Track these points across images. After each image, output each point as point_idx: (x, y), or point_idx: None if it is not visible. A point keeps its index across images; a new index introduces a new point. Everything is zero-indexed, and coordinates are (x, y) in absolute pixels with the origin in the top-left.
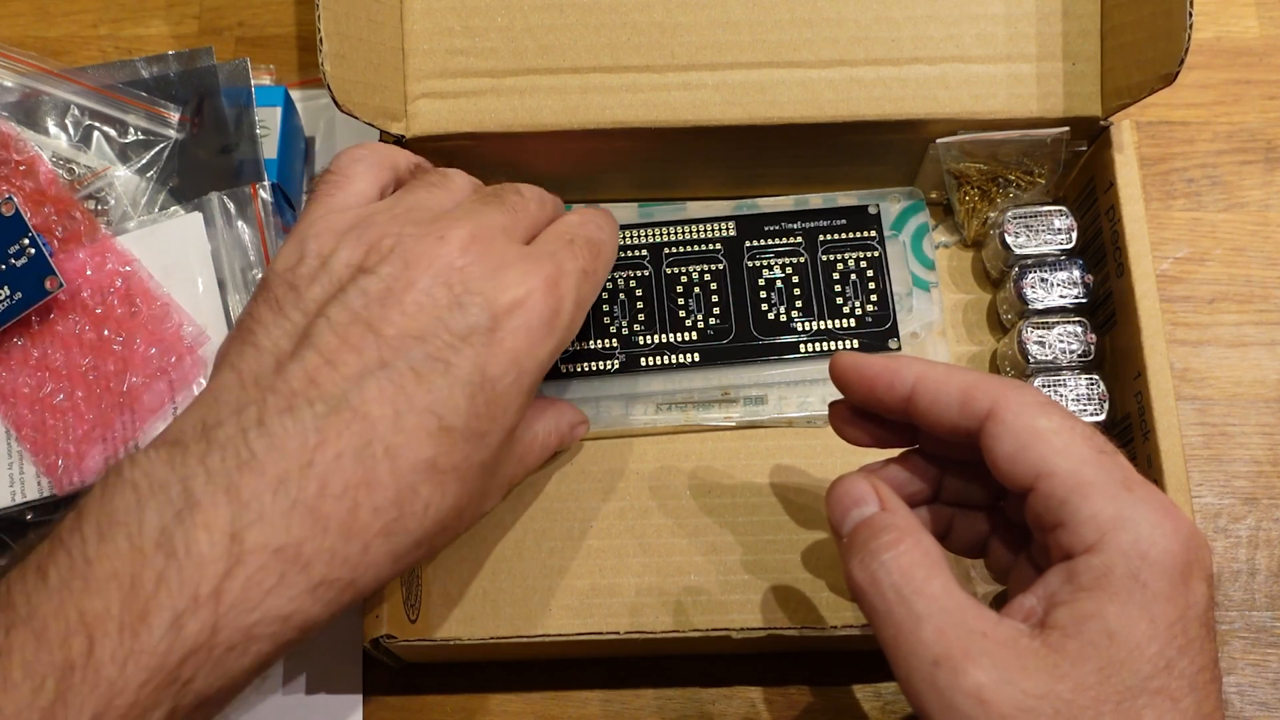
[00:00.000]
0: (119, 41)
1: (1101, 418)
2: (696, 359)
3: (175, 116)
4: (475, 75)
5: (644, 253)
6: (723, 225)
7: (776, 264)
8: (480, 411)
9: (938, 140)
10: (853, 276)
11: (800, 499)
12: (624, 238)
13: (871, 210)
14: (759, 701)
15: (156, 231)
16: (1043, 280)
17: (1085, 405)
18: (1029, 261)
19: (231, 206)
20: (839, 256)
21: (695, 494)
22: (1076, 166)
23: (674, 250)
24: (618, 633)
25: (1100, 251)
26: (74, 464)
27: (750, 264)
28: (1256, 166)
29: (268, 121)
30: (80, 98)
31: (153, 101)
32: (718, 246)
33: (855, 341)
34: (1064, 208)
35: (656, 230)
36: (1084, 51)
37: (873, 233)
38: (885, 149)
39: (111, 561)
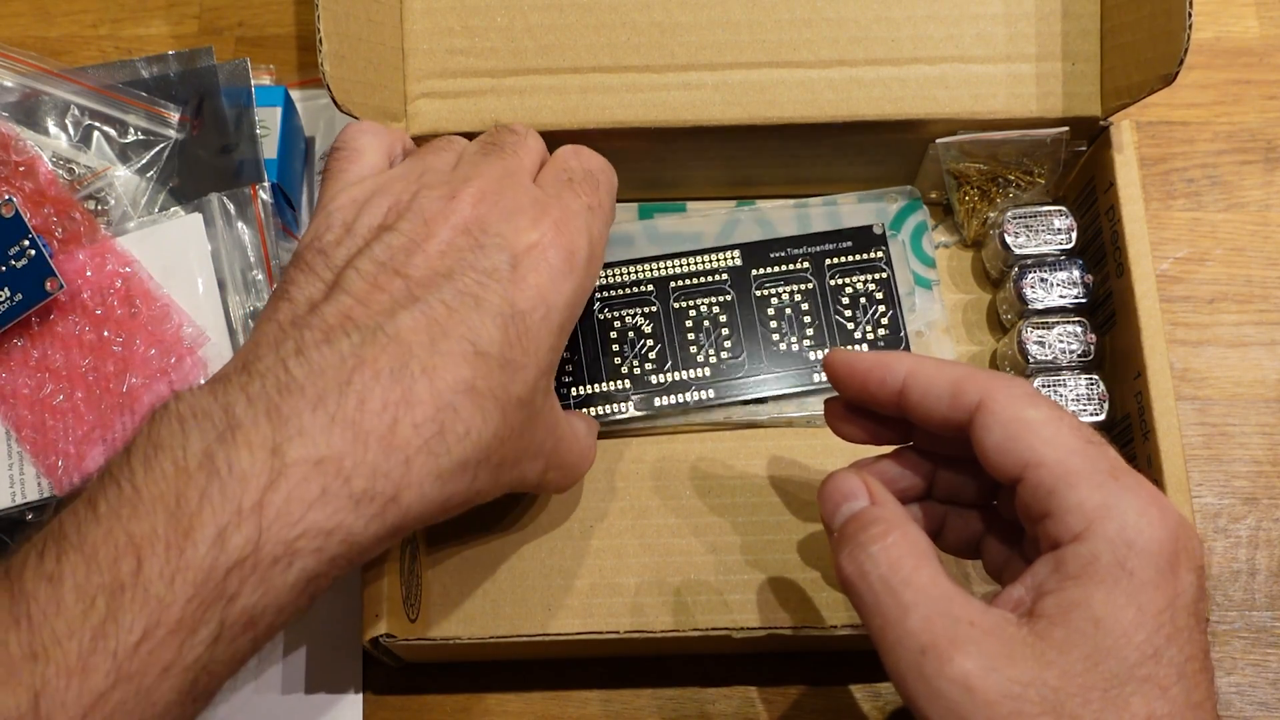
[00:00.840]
0: (119, 41)
1: (1101, 418)
2: (711, 395)
3: (175, 116)
4: (475, 75)
5: (650, 288)
6: (728, 255)
7: (785, 292)
8: (513, 341)
9: (937, 140)
10: (862, 300)
11: (800, 499)
12: (629, 273)
13: (876, 230)
14: (759, 701)
15: (156, 232)
16: (1042, 280)
17: (1085, 405)
18: (1029, 261)
19: (231, 207)
20: (847, 280)
21: (695, 494)
22: (1076, 166)
23: (680, 284)
24: (618, 632)
25: (1100, 251)
26: (74, 465)
27: (758, 293)
28: (1256, 166)
29: (268, 121)
30: (80, 98)
31: (153, 101)
32: (724, 277)
33: None
34: (1064, 208)
35: (661, 265)
36: (1084, 51)
37: (879, 253)
38: (885, 149)
39: (158, 485)
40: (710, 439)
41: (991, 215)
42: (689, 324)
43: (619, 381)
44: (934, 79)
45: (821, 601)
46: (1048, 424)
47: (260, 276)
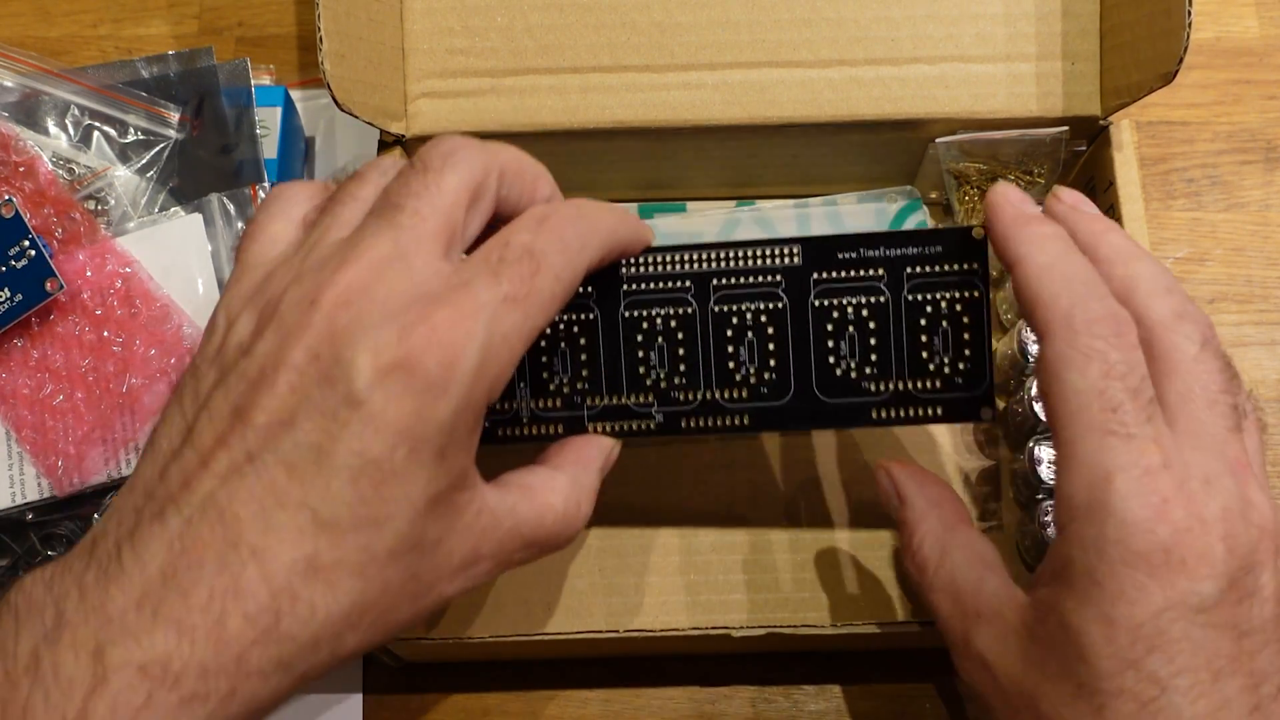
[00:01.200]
0: (119, 41)
1: None
2: (746, 421)
3: (175, 116)
4: (475, 75)
5: (688, 284)
6: (787, 252)
7: (849, 304)
8: (369, 496)
9: (937, 140)
10: (944, 324)
11: (800, 498)
12: (665, 263)
13: (976, 235)
14: (759, 701)
15: (156, 233)
16: None
17: None
18: None
19: (231, 208)
20: (929, 296)
21: (695, 494)
22: (1076, 166)
23: (725, 282)
24: (618, 632)
25: None
26: (74, 465)
27: (817, 302)
28: (1256, 166)
29: (268, 121)
30: (80, 98)
31: (153, 101)
32: (778, 279)
33: (939, 410)
34: None
35: (705, 257)
36: (1083, 51)
37: (975, 265)
38: (885, 149)
39: None
40: (710, 438)
41: None
42: (729, 333)
43: (641, 395)
44: (934, 79)
45: (822, 601)
46: (1082, 395)
47: None
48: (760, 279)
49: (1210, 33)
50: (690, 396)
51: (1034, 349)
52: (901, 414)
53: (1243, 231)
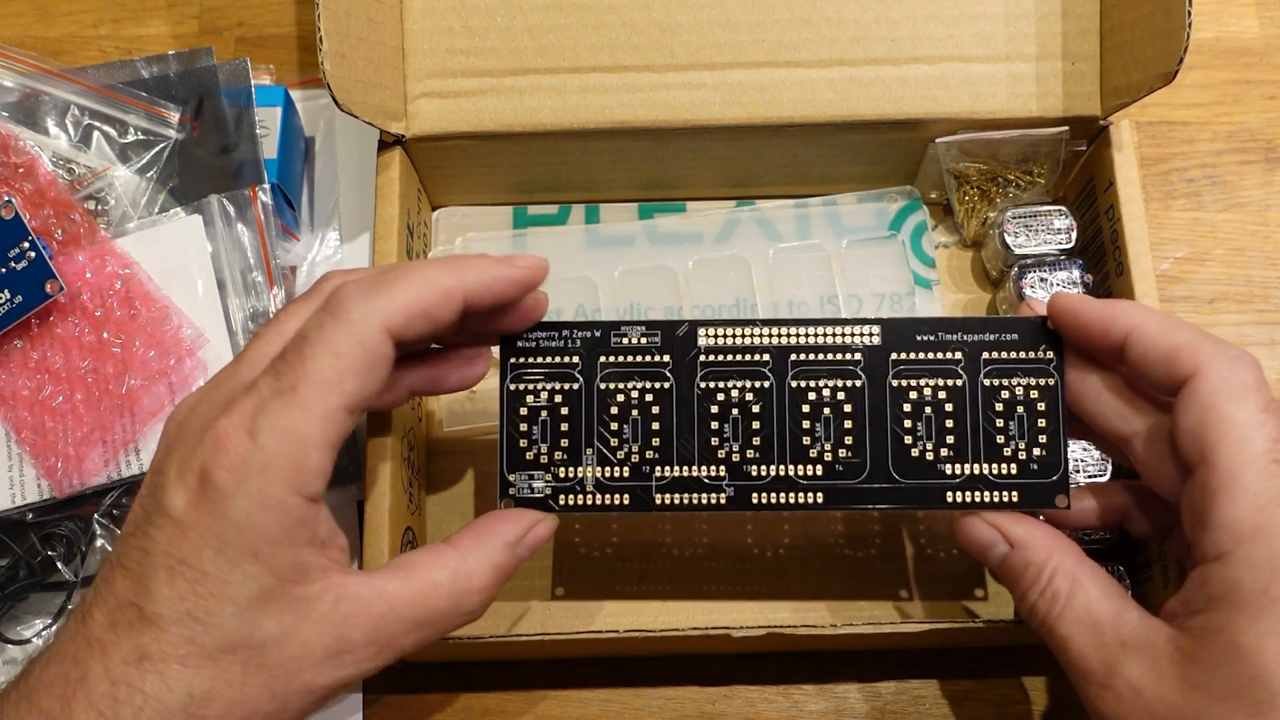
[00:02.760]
0: (119, 41)
1: None
2: (819, 499)
3: (175, 116)
4: (475, 75)
5: (766, 358)
6: (865, 332)
7: (927, 385)
8: (186, 594)
9: (937, 140)
10: (1019, 409)
11: None
12: (743, 336)
13: (1050, 325)
14: (759, 701)
15: (156, 234)
16: (1042, 280)
17: None
18: (1029, 261)
19: (231, 209)
20: (1005, 382)
21: None
22: (1076, 166)
23: (803, 357)
24: (618, 632)
25: (1100, 251)
26: (73, 466)
27: (895, 383)
28: (1256, 166)
29: (268, 121)
30: (80, 98)
31: (153, 101)
32: (857, 357)
33: (1014, 495)
34: (1063, 207)
35: (783, 332)
36: (1083, 51)
37: (1048, 353)
38: (885, 149)
39: None
40: None
41: (991, 215)
42: (806, 409)
43: (713, 467)
44: (934, 79)
45: (821, 601)
46: (1244, 426)
47: (260, 278)
48: (839, 356)
49: (1210, 33)
50: (763, 471)
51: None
52: (976, 498)
53: (1243, 231)
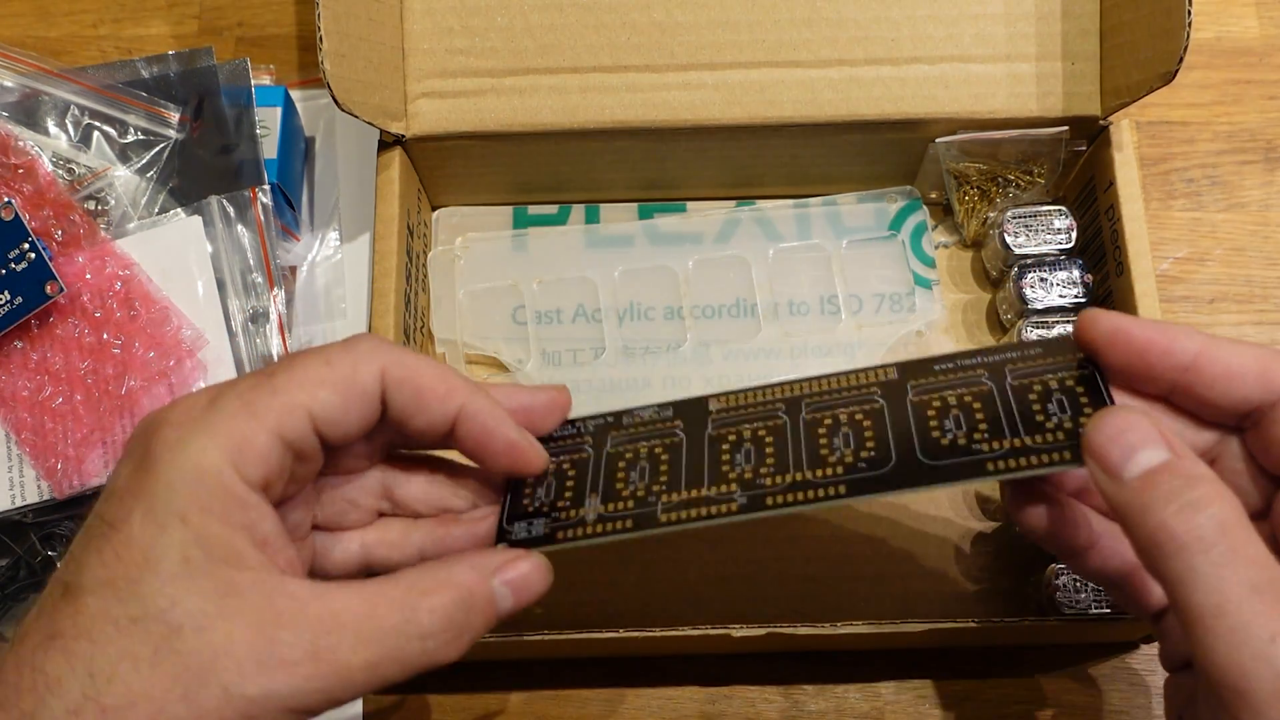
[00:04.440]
0: (119, 41)
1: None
2: (843, 491)
3: (175, 116)
4: (475, 75)
5: (779, 405)
6: (880, 373)
7: (951, 395)
8: (109, 560)
9: (937, 140)
10: (1056, 395)
11: None
12: (754, 395)
13: (1086, 342)
14: (759, 701)
15: (156, 235)
16: (1042, 280)
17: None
18: (1028, 261)
19: (231, 210)
20: (1035, 380)
21: None
22: (1076, 166)
23: (818, 400)
24: (618, 632)
25: (1100, 251)
26: (73, 467)
27: (915, 399)
28: (1256, 166)
29: (268, 121)
30: (80, 98)
31: (153, 101)
32: (874, 390)
33: (1067, 454)
34: (1063, 207)
35: (795, 387)
36: (1083, 51)
37: (1081, 355)
38: (885, 149)
39: None
40: None
41: (991, 215)
42: (822, 431)
43: (724, 486)
44: (934, 79)
45: (821, 601)
46: None
47: (260, 279)
48: (856, 393)
49: (1210, 33)
50: (778, 480)
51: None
52: (1022, 463)
53: (1243, 231)
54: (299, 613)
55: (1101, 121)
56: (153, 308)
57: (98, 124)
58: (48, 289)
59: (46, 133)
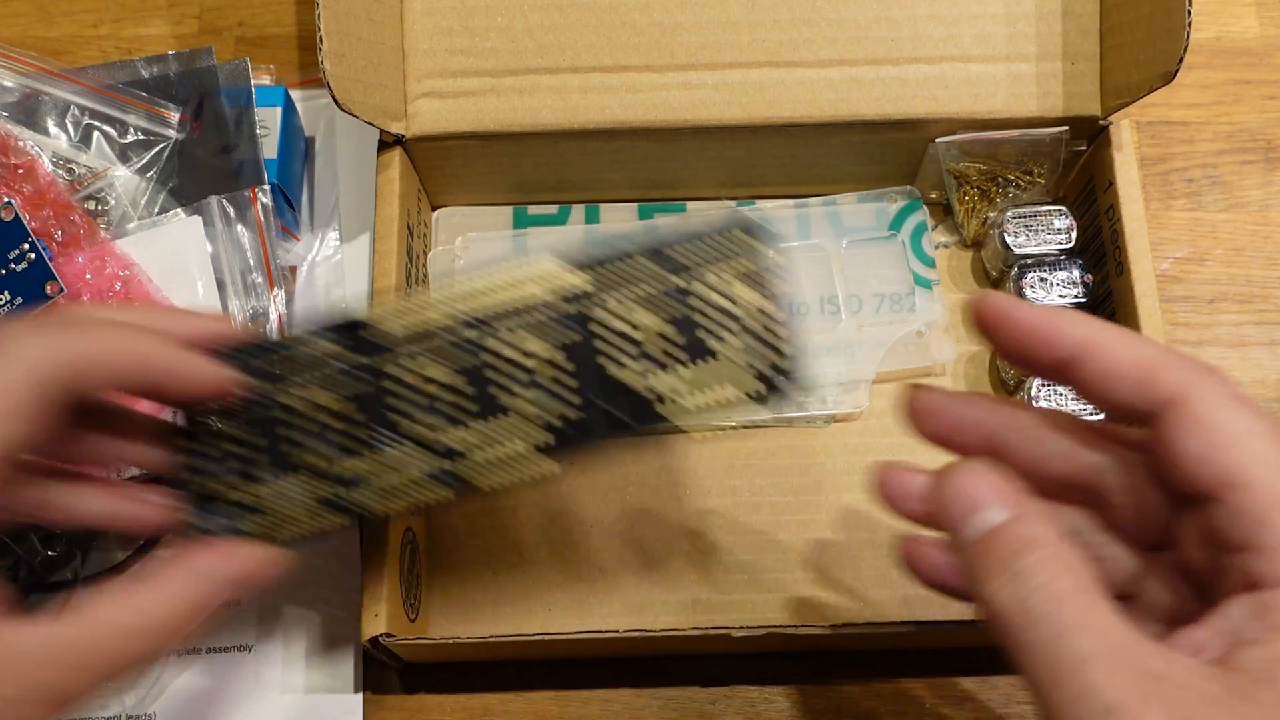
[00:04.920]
0: (119, 41)
1: (1101, 417)
2: (552, 443)
3: (175, 116)
4: (475, 75)
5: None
6: (571, 290)
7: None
8: None
9: (937, 140)
10: (735, 311)
11: (800, 499)
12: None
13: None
14: (759, 701)
15: (156, 235)
16: (1042, 280)
17: (1085, 405)
18: (1029, 261)
19: (231, 210)
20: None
21: (695, 494)
22: (1076, 166)
23: (494, 324)
24: (618, 632)
25: (1100, 251)
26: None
27: (594, 327)
28: (1256, 166)
29: (268, 121)
30: (80, 98)
31: (153, 101)
32: (561, 314)
33: (754, 391)
34: (1063, 207)
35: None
36: (1083, 51)
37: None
38: (885, 149)
39: None
40: (710, 439)
41: (991, 215)
42: (508, 373)
43: (424, 457)
44: (934, 78)
45: (821, 601)
46: (1256, 437)
47: (260, 279)
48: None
49: (1210, 33)
50: (485, 453)
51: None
52: (704, 402)
53: (1243, 231)
54: (18, 659)
55: (1101, 121)
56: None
57: (98, 124)
58: (47, 289)
59: (46, 133)
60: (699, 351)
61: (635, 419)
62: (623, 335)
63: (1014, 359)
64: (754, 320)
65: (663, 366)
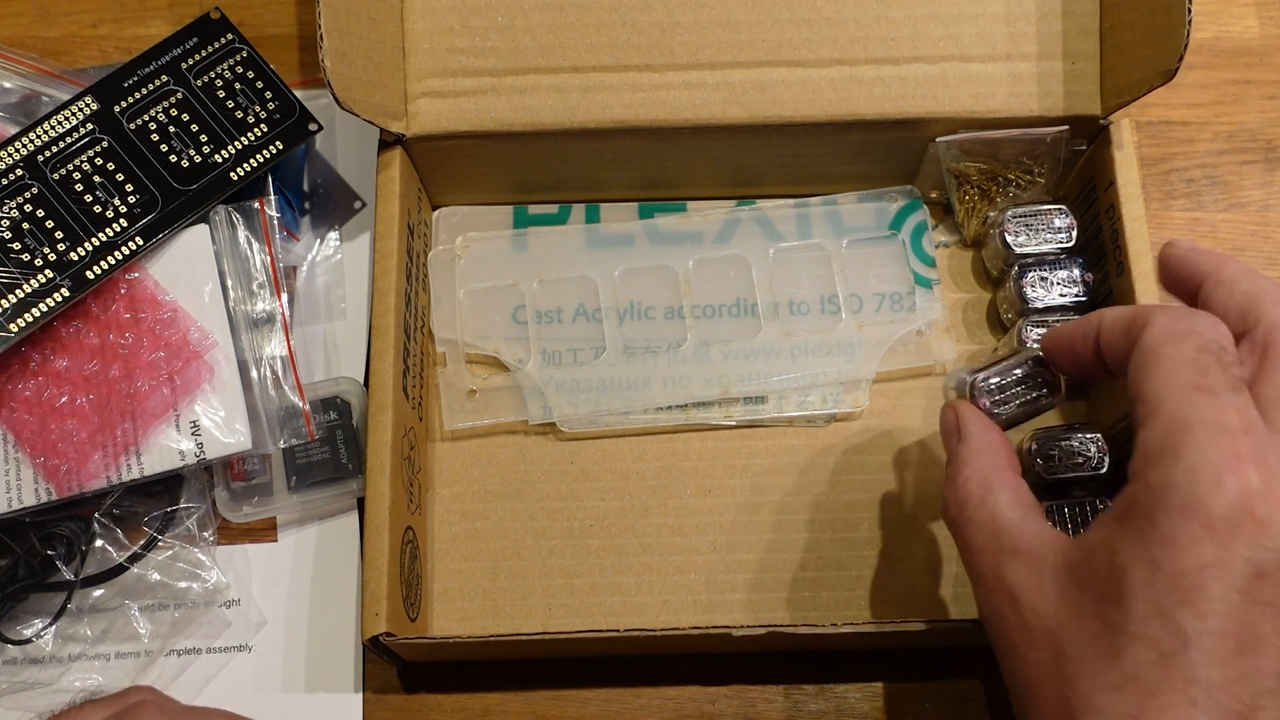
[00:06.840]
0: (119, 41)
1: None
2: (139, 242)
3: None
4: (475, 74)
5: (21, 173)
6: (80, 108)
7: (159, 112)
8: None
9: (937, 139)
10: (236, 85)
11: (800, 498)
12: None
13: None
14: (759, 701)
15: (162, 243)
16: (1043, 279)
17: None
18: (1029, 260)
19: (238, 219)
20: (215, 77)
21: (695, 493)
22: (1076, 165)
23: (51, 153)
24: (618, 631)
25: (1100, 250)
26: (75, 469)
27: (131, 125)
28: (1256, 166)
29: None
30: None
31: None
32: (89, 129)
33: (278, 145)
34: (1064, 206)
35: (24, 144)
36: (1083, 50)
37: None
38: (885, 148)
39: None
40: (710, 438)
41: (992, 214)
42: (80, 188)
43: (38, 274)
44: (934, 78)
45: (821, 601)
46: (1172, 362)
47: (267, 289)
48: (76, 139)
49: (1210, 33)
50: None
51: (1033, 338)
52: (251, 163)
53: (1243, 231)
54: None
55: (1102, 121)
56: (159, 310)
57: None
58: None
59: None
60: None
61: None
62: None
63: (1078, 369)
64: None
65: None
